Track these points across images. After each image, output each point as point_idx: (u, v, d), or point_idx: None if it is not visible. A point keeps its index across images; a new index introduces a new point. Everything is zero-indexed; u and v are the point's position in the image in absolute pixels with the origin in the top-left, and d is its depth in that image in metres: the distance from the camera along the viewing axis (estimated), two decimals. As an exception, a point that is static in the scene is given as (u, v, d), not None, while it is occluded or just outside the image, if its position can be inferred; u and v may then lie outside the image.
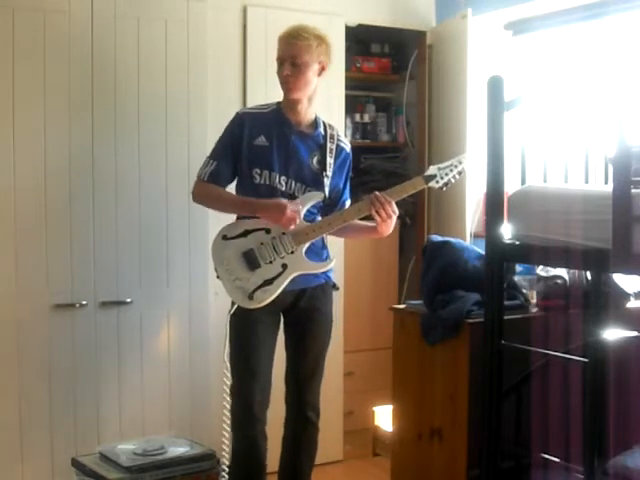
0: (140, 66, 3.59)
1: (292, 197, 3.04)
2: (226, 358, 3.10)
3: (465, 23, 4.16)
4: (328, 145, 3.12)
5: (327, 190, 3.09)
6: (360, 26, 4.31)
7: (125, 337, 3.60)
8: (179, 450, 3.01)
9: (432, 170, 3.04)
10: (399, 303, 4.28)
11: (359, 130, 4.75)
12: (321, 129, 3.15)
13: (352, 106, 4.63)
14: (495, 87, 2.74)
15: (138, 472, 2.85)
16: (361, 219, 3.12)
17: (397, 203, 3.00)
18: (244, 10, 3.87)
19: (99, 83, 3.51)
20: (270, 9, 3.87)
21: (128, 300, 3.59)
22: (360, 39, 4.65)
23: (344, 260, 4.17)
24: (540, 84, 3.89)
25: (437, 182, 3.02)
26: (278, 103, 3.15)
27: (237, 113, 3.15)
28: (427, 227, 4.55)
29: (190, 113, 3.67)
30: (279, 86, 3.07)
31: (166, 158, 3.63)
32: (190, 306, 3.71)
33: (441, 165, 3.05)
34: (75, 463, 3.03)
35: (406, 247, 4.78)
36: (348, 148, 3.22)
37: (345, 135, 4.29)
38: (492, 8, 4.15)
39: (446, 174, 3.02)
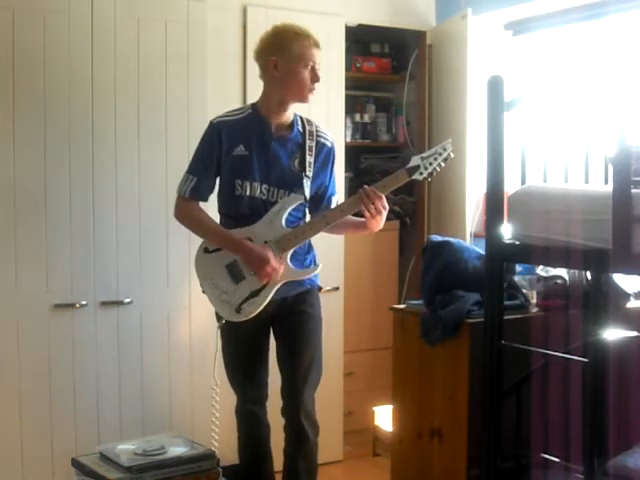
0: (140, 66, 3.59)
1: (274, 204, 2.94)
2: (216, 375, 3.12)
3: (465, 23, 4.16)
4: (307, 143, 2.98)
5: (308, 191, 2.97)
6: (360, 26, 4.31)
7: (125, 337, 3.61)
8: (179, 450, 3.01)
9: (415, 161, 2.85)
10: (399, 303, 4.28)
11: (359, 130, 4.74)
12: (299, 127, 3.02)
13: (352, 106, 4.63)
14: (495, 87, 2.74)
15: (138, 472, 2.85)
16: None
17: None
18: (244, 10, 3.87)
19: (99, 83, 3.51)
20: (270, 9, 3.86)
21: (128, 300, 3.59)
22: (360, 39, 4.64)
23: (344, 260, 4.18)
24: (540, 84, 3.90)
25: (421, 173, 2.83)
26: (253, 105, 3.03)
27: (211, 122, 2.99)
28: (427, 227, 4.55)
29: (190, 113, 3.67)
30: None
31: (166, 158, 3.63)
32: (190, 306, 3.72)
33: (424, 155, 2.86)
34: (75, 463, 3.03)
35: (406, 247, 4.78)
36: (330, 142, 3.06)
37: (345, 135, 4.29)
38: (492, 8, 4.15)
39: (430, 163, 2.83)
